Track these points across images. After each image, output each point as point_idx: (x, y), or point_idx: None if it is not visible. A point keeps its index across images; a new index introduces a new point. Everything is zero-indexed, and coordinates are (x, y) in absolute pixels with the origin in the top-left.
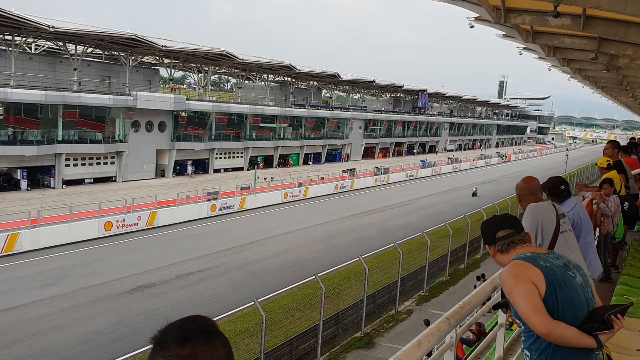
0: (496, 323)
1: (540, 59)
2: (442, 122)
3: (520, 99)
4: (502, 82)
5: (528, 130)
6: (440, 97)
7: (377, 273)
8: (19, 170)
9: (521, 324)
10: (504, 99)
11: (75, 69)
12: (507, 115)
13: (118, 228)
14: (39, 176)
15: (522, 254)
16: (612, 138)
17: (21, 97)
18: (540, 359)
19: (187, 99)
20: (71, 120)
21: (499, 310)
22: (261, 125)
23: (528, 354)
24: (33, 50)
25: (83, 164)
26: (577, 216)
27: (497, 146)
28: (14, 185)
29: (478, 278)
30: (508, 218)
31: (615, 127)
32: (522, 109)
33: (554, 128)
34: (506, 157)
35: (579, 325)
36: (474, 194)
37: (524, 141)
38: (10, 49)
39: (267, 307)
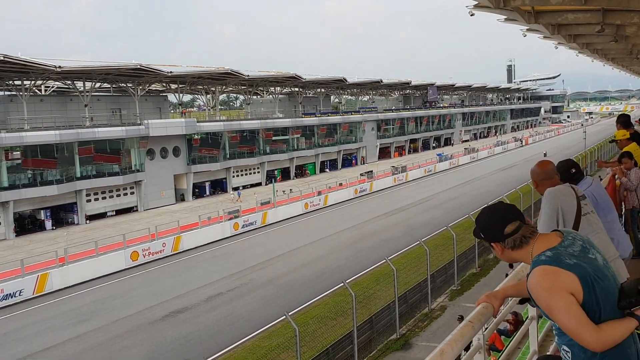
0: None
1: (545, 39)
2: (454, 114)
3: (531, 80)
4: (510, 66)
5: (542, 111)
6: (450, 88)
7: (406, 272)
8: (42, 211)
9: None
10: (514, 82)
11: (85, 105)
12: (519, 98)
13: (144, 257)
14: (62, 214)
15: (541, 253)
16: (627, 110)
17: (36, 140)
18: (586, 356)
19: (198, 122)
20: (87, 155)
21: (528, 303)
22: (274, 138)
23: (569, 350)
24: (43, 92)
25: (104, 198)
26: (593, 195)
27: (512, 131)
28: (39, 226)
29: (511, 265)
30: (510, 208)
31: (630, 97)
32: (534, 91)
33: (569, 106)
34: (523, 140)
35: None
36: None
37: (539, 122)
38: (21, 93)
39: (299, 319)
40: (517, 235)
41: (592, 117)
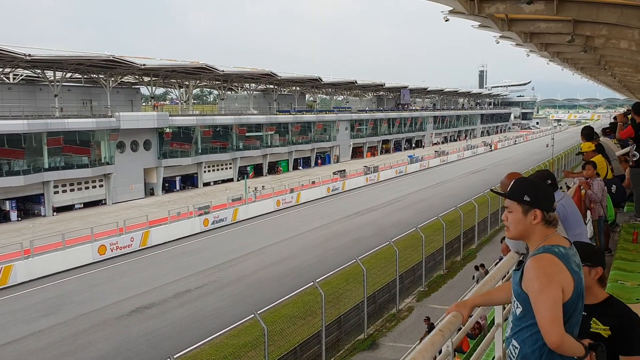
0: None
1: (517, 46)
2: (425, 117)
3: (502, 86)
4: (482, 71)
5: (512, 116)
6: (422, 92)
7: (375, 273)
8: (7, 202)
9: (517, 310)
10: (485, 88)
11: (55, 95)
12: (489, 104)
13: (112, 251)
14: (28, 205)
15: (554, 245)
16: (594, 118)
17: (3, 129)
18: (534, 355)
19: (170, 115)
20: (56, 146)
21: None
22: (247, 134)
23: (517, 345)
24: (11, 80)
25: (72, 190)
26: (564, 209)
27: (482, 135)
28: (4, 217)
29: (477, 268)
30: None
31: (597, 107)
32: (504, 97)
33: (538, 112)
34: (492, 145)
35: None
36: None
37: (509, 128)
38: None
39: (268, 318)
40: (554, 216)
41: (560, 124)
